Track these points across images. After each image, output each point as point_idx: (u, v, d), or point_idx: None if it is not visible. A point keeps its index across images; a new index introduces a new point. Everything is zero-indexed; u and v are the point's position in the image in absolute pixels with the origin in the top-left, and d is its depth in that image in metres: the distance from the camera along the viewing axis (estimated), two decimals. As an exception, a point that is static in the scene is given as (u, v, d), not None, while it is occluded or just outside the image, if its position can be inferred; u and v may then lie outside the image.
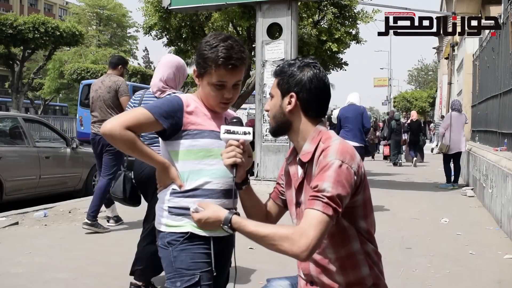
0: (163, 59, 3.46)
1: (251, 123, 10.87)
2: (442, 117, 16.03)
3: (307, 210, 1.57)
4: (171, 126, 1.83)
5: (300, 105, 1.74)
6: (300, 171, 1.78)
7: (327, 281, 1.73)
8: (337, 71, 13.97)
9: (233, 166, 1.77)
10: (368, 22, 12.05)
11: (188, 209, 1.85)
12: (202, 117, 1.89)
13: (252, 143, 8.75)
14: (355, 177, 1.63)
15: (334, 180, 1.57)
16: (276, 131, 1.82)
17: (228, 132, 1.78)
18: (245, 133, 1.79)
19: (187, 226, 1.84)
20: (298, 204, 1.79)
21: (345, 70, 14.35)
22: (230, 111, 2.03)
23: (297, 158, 1.79)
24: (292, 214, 1.85)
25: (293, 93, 1.74)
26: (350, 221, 1.68)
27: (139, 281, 3.51)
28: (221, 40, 1.84)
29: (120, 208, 6.76)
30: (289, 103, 1.74)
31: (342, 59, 13.68)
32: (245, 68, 1.91)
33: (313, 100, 1.74)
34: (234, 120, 1.86)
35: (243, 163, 1.80)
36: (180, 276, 1.81)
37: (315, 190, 1.59)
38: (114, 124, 1.78)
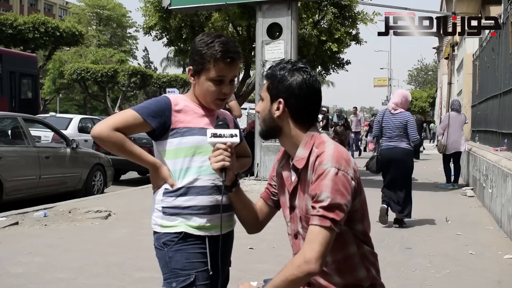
0: (398, 91, 6.50)
1: (253, 123, 10.86)
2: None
3: (309, 227, 1.61)
4: (159, 125, 1.84)
5: (288, 112, 1.72)
6: (293, 176, 1.77)
7: (324, 283, 1.73)
8: (338, 72, 13.97)
9: (222, 170, 1.77)
10: (367, 24, 12.06)
11: (181, 208, 1.85)
12: (191, 115, 1.89)
13: (252, 144, 8.76)
14: (353, 182, 1.63)
15: (331, 189, 1.58)
16: (266, 135, 1.81)
17: (214, 135, 1.78)
18: (231, 136, 1.78)
19: (181, 226, 1.84)
20: (292, 208, 1.79)
21: (347, 70, 14.32)
22: (222, 110, 2.02)
23: (291, 163, 1.78)
24: (286, 217, 1.84)
25: (281, 99, 1.72)
26: (348, 225, 1.68)
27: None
28: (216, 37, 1.86)
29: (120, 209, 6.77)
30: (278, 109, 1.73)
31: (343, 58, 13.68)
32: (240, 63, 1.92)
33: (302, 106, 1.72)
34: (220, 122, 1.86)
35: (232, 166, 1.79)
36: (176, 276, 1.82)
37: (314, 201, 1.61)
38: (102, 126, 1.81)
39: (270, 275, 2.09)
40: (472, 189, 9.13)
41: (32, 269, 4.06)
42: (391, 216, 6.03)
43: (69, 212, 6.46)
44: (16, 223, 5.75)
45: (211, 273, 1.85)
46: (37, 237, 5.21)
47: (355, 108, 20.27)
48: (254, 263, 4.30)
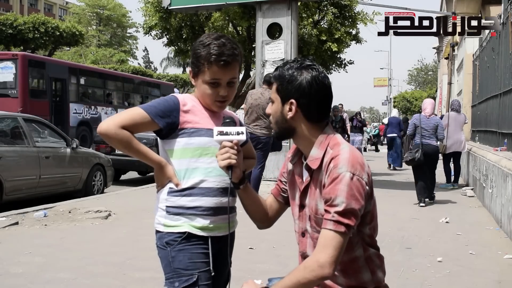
0: (427, 100, 8.23)
1: None
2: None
3: (322, 231, 1.61)
4: (167, 125, 1.84)
5: (301, 112, 1.71)
6: (305, 174, 1.77)
7: (328, 283, 1.73)
8: (339, 72, 13.96)
9: (228, 168, 1.77)
10: (366, 24, 12.06)
11: (185, 208, 1.85)
12: (199, 115, 1.89)
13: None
14: (367, 187, 1.63)
15: (347, 194, 1.57)
16: (280, 136, 1.81)
17: (221, 133, 1.78)
18: (238, 133, 1.79)
19: (184, 226, 1.84)
20: (301, 206, 1.79)
21: (347, 72, 14.35)
22: (228, 110, 2.02)
23: (304, 163, 1.77)
24: (294, 215, 1.84)
25: (293, 100, 1.70)
26: (357, 228, 1.68)
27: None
28: (214, 39, 1.85)
29: (120, 209, 6.76)
30: (290, 109, 1.71)
31: (344, 59, 13.69)
32: (238, 65, 1.90)
33: (314, 104, 1.71)
34: (227, 120, 1.86)
35: (238, 164, 1.79)
36: (178, 276, 1.81)
37: (328, 205, 1.60)
38: (109, 124, 1.80)
39: (270, 275, 2.09)
40: (472, 189, 9.12)
41: (32, 269, 4.06)
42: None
43: (69, 212, 6.46)
44: (16, 223, 5.75)
45: (213, 273, 1.85)
46: (37, 237, 5.21)
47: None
48: (254, 263, 4.30)
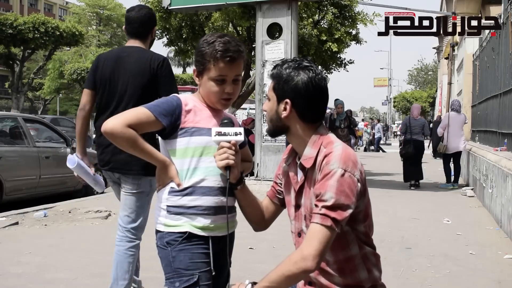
0: (415, 105, 10.72)
1: (247, 121, 10.89)
2: None
3: (310, 225, 1.62)
4: (170, 124, 1.85)
5: (296, 112, 1.72)
6: (300, 174, 1.77)
7: (325, 282, 1.74)
8: (339, 71, 13.89)
9: (226, 168, 1.78)
10: (366, 25, 12.04)
11: (186, 207, 1.85)
12: (200, 115, 1.90)
13: (252, 146, 8.76)
14: (359, 184, 1.63)
15: (336, 190, 1.58)
16: (273, 134, 1.82)
17: (219, 134, 1.79)
18: (236, 134, 1.80)
19: (185, 225, 1.84)
20: (297, 206, 1.79)
21: (347, 71, 14.29)
22: (227, 112, 2.02)
23: (298, 162, 1.77)
24: (290, 216, 1.84)
25: (288, 100, 1.71)
26: (351, 226, 1.68)
27: None
28: (218, 37, 1.87)
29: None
30: (285, 109, 1.72)
31: (344, 58, 13.65)
32: (243, 62, 1.92)
33: (309, 106, 1.71)
34: (225, 121, 1.87)
35: (236, 164, 1.80)
36: (179, 276, 1.81)
37: (317, 200, 1.61)
38: (115, 122, 1.80)
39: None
40: (472, 189, 9.12)
41: (32, 269, 4.06)
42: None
43: (69, 212, 6.46)
44: (16, 223, 5.75)
45: (213, 273, 1.86)
46: (37, 237, 5.21)
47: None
48: (254, 263, 4.30)
